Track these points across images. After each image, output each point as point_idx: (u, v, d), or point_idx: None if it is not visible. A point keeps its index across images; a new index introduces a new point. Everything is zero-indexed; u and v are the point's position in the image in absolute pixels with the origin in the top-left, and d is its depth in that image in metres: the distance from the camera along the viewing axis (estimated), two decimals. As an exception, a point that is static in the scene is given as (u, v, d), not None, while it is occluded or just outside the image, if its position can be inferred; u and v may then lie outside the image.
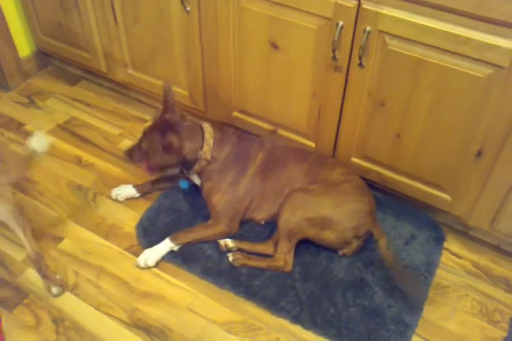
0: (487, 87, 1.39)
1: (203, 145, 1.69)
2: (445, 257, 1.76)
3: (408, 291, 1.61)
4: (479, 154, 1.52)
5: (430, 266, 1.71)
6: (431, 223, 1.84)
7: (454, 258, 1.77)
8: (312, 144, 1.87)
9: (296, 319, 1.58)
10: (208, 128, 1.73)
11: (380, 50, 1.48)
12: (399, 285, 1.62)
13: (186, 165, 1.73)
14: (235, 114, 1.97)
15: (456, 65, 1.40)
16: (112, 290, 1.64)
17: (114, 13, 1.94)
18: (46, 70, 2.50)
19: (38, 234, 1.78)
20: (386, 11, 1.40)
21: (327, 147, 1.83)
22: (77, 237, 1.79)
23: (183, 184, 1.89)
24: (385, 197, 1.89)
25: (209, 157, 1.71)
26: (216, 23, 1.72)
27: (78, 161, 2.07)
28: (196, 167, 1.72)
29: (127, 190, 1.91)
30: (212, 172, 1.73)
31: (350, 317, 1.58)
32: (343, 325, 1.55)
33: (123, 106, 2.31)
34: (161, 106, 1.75)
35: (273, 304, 1.61)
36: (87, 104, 2.32)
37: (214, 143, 1.71)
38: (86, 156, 2.08)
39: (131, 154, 1.78)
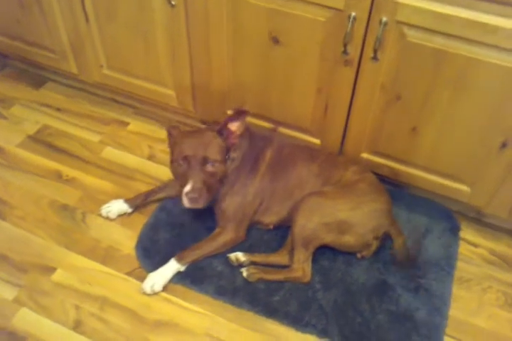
0: (517, 76, 1.30)
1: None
2: (462, 247, 1.71)
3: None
4: (504, 145, 1.46)
5: (450, 260, 1.67)
6: (444, 212, 1.79)
7: (470, 247, 1.72)
8: (317, 141, 1.78)
9: (323, 333, 1.50)
10: None
11: (398, 41, 1.37)
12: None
13: None
14: (230, 112, 1.82)
15: (482, 56, 1.31)
16: (119, 322, 1.50)
17: (84, 10, 1.74)
18: (4, 73, 2.26)
19: (24, 266, 1.61)
20: (405, -1, 1.27)
21: (334, 144, 1.74)
22: (71, 265, 1.62)
23: None
24: (395, 190, 1.81)
25: (235, 155, 1.59)
26: (206, 18, 1.57)
27: (58, 176, 1.87)
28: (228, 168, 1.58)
29: (118, 206, 1.74)
30: (230, 173, 1.60)
31: (379, 325, 1.51)
32: (374, 334, 1.49)
33: (99, 109, 2.11)
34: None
35: (297, 319, 1.52)
36: (58, 109, 2.11)
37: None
38: (66, 170, 1.89)
39: (200, 199, 1.47)
